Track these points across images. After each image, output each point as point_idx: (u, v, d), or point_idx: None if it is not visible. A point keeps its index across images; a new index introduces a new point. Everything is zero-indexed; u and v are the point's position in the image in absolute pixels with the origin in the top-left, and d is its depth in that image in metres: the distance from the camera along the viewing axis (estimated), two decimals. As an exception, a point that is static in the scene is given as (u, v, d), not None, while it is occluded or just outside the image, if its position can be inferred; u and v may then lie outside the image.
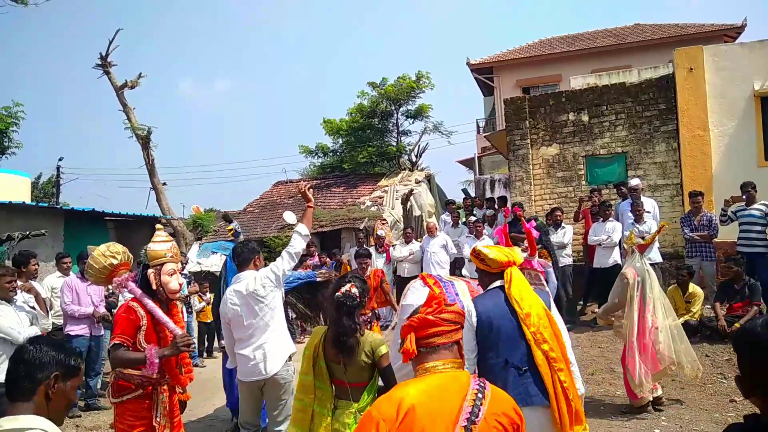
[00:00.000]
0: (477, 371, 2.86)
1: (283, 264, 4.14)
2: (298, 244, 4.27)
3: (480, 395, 1.77)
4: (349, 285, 3.04)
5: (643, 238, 7.86)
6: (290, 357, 4.09)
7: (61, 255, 7.40)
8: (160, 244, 3.48)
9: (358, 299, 3.03)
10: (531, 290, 3.06)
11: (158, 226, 3.68)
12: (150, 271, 3.38)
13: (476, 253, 3.20)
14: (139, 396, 3.29)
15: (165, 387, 3.37)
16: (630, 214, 8.48)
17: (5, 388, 1.81)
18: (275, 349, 3.99)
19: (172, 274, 3.39)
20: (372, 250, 10.65)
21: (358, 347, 2.96)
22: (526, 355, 2.85)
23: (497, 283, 3.09)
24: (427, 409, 1.72)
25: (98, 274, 3.45)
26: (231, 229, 5.85)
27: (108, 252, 3.43)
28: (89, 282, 7.07)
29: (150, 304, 3.29)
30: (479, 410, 1.73)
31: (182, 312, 3.77)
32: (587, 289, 9.09)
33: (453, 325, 1.94)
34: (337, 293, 3.02)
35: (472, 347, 2.89)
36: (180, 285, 3.46)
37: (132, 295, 3.44)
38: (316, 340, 3.10)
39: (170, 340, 3.32)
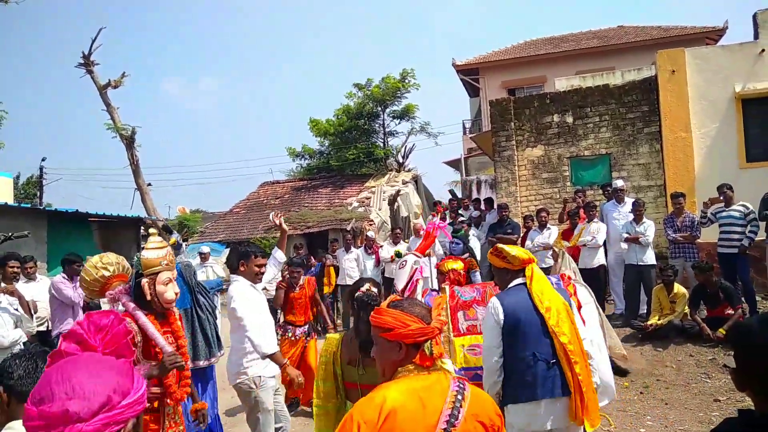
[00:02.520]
0: (502, 364, 3.09)
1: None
2: (270, 273, 4.66)
3: (460, 396, 1.76)
4: (367, 285, 3.07)
5: (637, 239, 8.00)
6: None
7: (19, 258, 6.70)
8: (155, 251, 3.24)
9: (378, 298, 3.06)
10: (551, 286, 3.26)
11: (152, 230, 3.46)
12: (144, 280, 3.15)
13: (498, 252, 3.31)
14: (147, 410, 3.05)
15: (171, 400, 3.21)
16: (614, 215, 8.62)
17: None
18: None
19: (167, 283, 3.18)
20: (361, 251, 10.66)
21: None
22: (551, 348, 3.06)
23: (519, 280, 3.26)
24: (408, 413, 1.70)
25: (90, 286, 3.29)
26: (173, 241, 5.48)
27: (100, 263, 3.25)
28: (75, 284, 7.03)
29: (142, 318, 3.08)
30: (459, 412, 1.72)
31: (181, 320, 3.57)
32: None
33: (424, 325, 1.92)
34: (357, 294, 3.04)
35: (498, 342, 3.11)
36: (176, 294, 3.25)
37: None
38: (333, 348, 3.09)
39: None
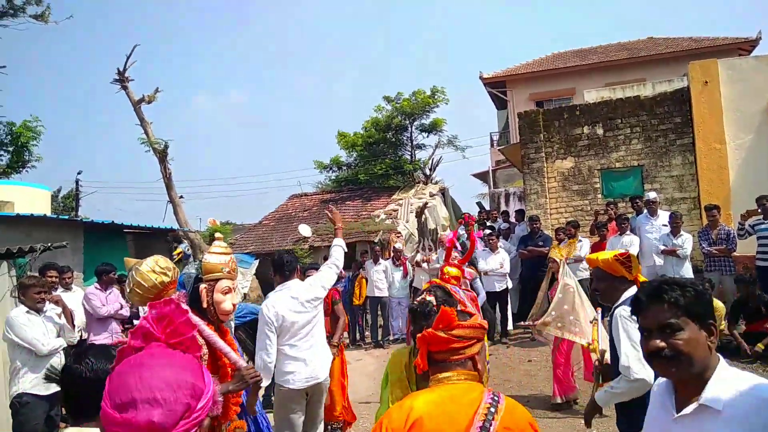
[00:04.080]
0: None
1: (330, 275, 4.37)
2: (340, 256, 4.53)
3: (493, 409, 1.71)
4: (424, 294, 2.96)
5: (674, 251, 7.92)
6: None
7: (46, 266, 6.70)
8: (218, 256, 3.00)
9: (435, 307, 2.90)
10: None
11: (218, 235, 3.22)
12: (202, 286, 2.92)
13: (626, 259, 3.09)
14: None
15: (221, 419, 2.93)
16: (647, 227, 8.52)
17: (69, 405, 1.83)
18: (325, 353, 4.25)
19: (226, 293, 2.92)
20: (389, 263, 10.69)
21: None
22: None
23: (632, 291, 3.00)
24: (436, 421, 1.69)
25: (146, 293, 2.92)
26: (179, 252, 5.27)
27: (158, 267, 2.94)
28: (109, 291, 7.21)
29: (207, 330, 2.80)
30: (491, 424, 1.68)
31: (233, 333, 3.34)
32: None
33: (468, 341, 1.87)
34: (411, 304, 2.97)
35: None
36: (234, 306, 2.97)
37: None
38: (404, 361, 2.98)
39: (229, 371, 2.83)
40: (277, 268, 4.30)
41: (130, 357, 1.25)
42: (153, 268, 2.95)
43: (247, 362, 3.02)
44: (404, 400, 1.85)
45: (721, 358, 1.60)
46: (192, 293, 2.95)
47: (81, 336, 7.03)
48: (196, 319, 2.80)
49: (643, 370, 2.78)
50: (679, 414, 1.60)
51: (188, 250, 5.42)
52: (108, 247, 12.75)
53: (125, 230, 13.71)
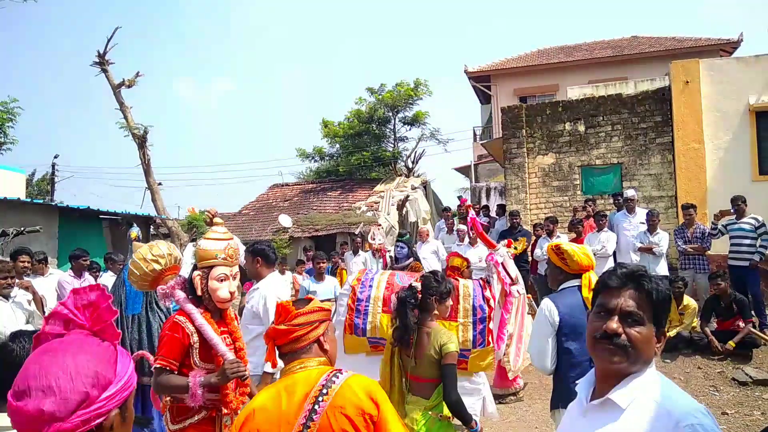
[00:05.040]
0: (556, 361, 3.07)
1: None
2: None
3: (324, 390, 1.74)
4: (415, 280, 3.19)
5: (650, 249, 7.98)
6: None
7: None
8: (213, 242, 2.88)
9: (419, 293, 3.16)
10: None
11: (217, 220, 3.11)
12: (196, 273, 2.84)
13: (558, 250, 3.22)
14: (202, 420, 2.80)
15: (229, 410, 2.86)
16: (625, 225, 8.59)
17: None
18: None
19: (222, 280, 2.83)
20: (368, 254, 10.65)
21: (423, 341, 3.09)
22: None
23: (573, 282, 3.19)
24: (267, 412, 1.75)
25: (140, 281, 2.97)
26: (135, 235, 4.66)
27: (150, 255, 2.91)
28: (83, 279, 7.08)
29: (199, 319, 2.75)
30: (319, 406, 1.71)
31: (237, 320, 3.12)
32: None
33: (308, 326, 1.91)
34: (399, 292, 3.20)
35: (552, 345, 3.05)
36: (232, 294, 2.87)
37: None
38: (386, 356, 3.24)
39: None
40: (264, 257, 4.22)
41: (45, 343, 1.18)
42: (145, 256, 2.92)
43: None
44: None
45: (653, 363, 1.55)
46: (189, 281, 2.88)
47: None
48: (189, 307, 2.81)
49: (536, 361, 3.15)
50: (589, 403, 1.57)
51: (140, 234, 4.95)
52: (83, 233, 12.55)
53: (101, 216, 13.51)
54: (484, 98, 23.27)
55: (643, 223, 8.41)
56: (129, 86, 16.95)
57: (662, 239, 8.06)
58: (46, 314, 6.36)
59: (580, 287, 3.13)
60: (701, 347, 7.17)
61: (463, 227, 10.32)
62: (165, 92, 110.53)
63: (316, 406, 1.71)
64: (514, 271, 5.25)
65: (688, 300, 7.43)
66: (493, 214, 12.02)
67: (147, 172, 16.45)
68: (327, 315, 2.00)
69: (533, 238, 9.46)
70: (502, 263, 5.12)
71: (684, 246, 8.14)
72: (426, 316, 3.19)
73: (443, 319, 4.38)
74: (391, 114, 21.31)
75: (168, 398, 2.85)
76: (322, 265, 8.22)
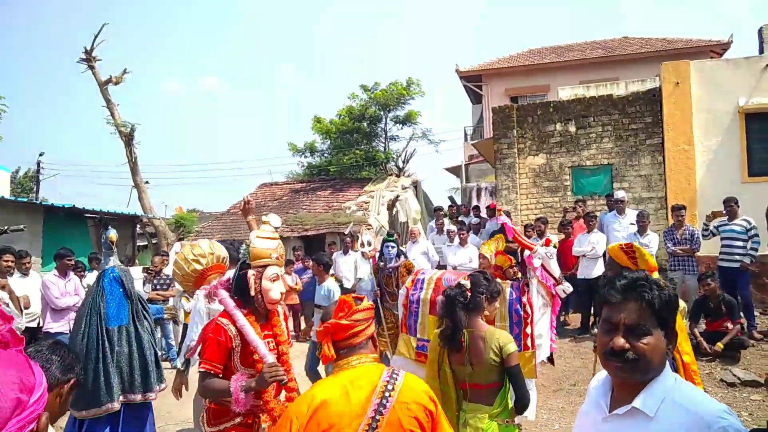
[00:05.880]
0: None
1: None
2: None
3: (390, 386, 1.81)
4: (462, 278, 3.07)
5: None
6: None
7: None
8: (266, 240, 2.84)
9: (468, 291, 3.03)
10: None
11: (265, 219, 3.06)
12: (251, 272, 2.76)
13: (630, 250, 3.23)
14: (239, 425, 2.74)
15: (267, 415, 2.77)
16: (615, 226, 8.57)
17: None
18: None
19: (274, 280, 2.77)
20: (358, 255, 10.56)
21: (478, 345, 2.94)
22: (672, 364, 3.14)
23: None
24: (337, 405, 1.77)
25: (184, 281, 2.92)
26: (113, 238, 4.26)
27: (191, 255, 2.88)
28: (68, 279, 6.96)
29: (241, 320, 2.68)
30: (387, 401, 1.77)
31: (286, 318, 3.04)
32: (569, 300, 9.13)
33: (366, 323, 1.97)
34: (447, 291, 3.05)
35: None
36: (282, 294, 2.81)
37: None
38: (439, 345, 3.06)
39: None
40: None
41: None
42: (186, 256, 2.88)
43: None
44: (310, 388, 1.93)
45: (666, 364, 1.53)
46: (237, 280, 2.79)
47: (38, 324, 6.79)
48: (231, 308, 2.72)
49: None
50: (611, 413, 1.54)
51: (117, 236, 4.56)
52: (68, 232, 12.38)
53: (87, 215, 13.33)
54: (476, 98, 23.25)
55: (633, 224, 8.39)
56: (116, 83, 16.82)
57: (652, 240, 8.03)
58: (25, 313, 6.24)
59: None
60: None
61: (453, 228, 10.27)
62: (152, 90, 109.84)
63: (384, 401, 1.77)
64: (557, 271, 5.13)
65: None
66: (483, 214, 11.97)
67: (134, 170, 16.31)
68: (373, 314, 2.05)
69: (487, 241, 9.41)
70: (542, 265, 4.98)
71: (673, 247, 8.13)
72: (475, 317, 3.03)
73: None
74: (382, 113, 21.26)
75: (207, 401, 2.80)
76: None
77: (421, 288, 5.03)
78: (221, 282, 2.83)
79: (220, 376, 2.67)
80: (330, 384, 1.87)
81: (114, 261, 4.13)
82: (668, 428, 1.43)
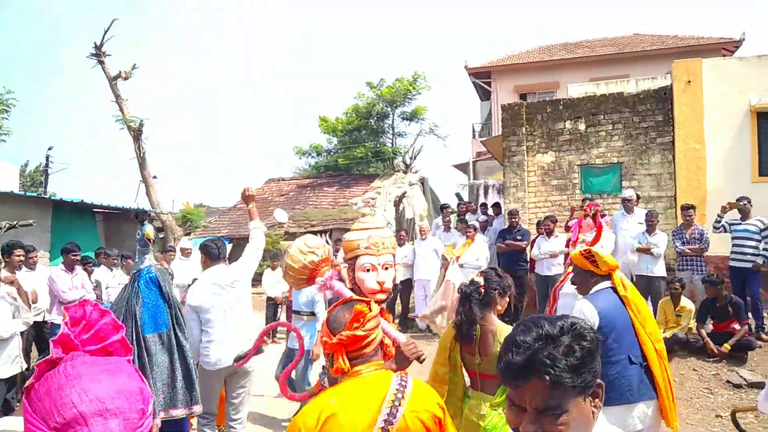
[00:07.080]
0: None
1: (252, 260, 4.46)
2: (261, 240, 4.56)
3: (399, 395, 1.78)
4: (477, 275, 3.19)
5: (649, 249, 7.90)
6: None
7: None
8: (355, 232, 2.80)
9: (482, 288, 3.13)
10: (636, 290, 3.39)
11: (364, 211, 3.01)
12: (343, 265, 2.77)
13: (588, 255, 3.33)
14: None
15: None
16: (623, 225, 8.51)
17: None
18: (240, 339, 4.16)
19: (368, 270, 2.70)
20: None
21: (488, 339, 3.05)
22: (641, 351, 3.14)
23: (606, 284, 3.30)
24: (347, 415, 1.75)
25: (298, 275, 2.82)
26: (149, 234, 4.12)
27: (306, 247, 2.82)
28: (75, 273, 6.99)
29: None
30: (397, 410, 1.75)
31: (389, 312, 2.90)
32: None
33: (376, 329, 1.95)
34: (463, 287, 3.16)
35: None
36: (380, 284, 2.71)
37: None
38: (452, 333, 3.16)
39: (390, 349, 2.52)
40: (207, 253, 4.43)
41: (56, 371, 1.09)
42: (300, 248, 2.82)
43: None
44: (318, 397, 1.90)
45: (599, 416, 1.28)
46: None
47: (43, 318, 6.84)
48: (347, 297, 2.57)
49: None
50: None
51: (154, 233, 4.28)
52: (77, 226, 12.45)
53: (95, 209, 13.39)
54: (484, 94, 23.14)
55: (641, 223, 8.33)
56: (125, 78, 16.88)
57: (660, 240, 7.97)
58: (34, 307, 6.28)
59: (613, 288, 3.25)
60: (696, 349, 7.10)
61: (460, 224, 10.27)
62: (161, 84, 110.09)
63: (394, 410, 1.75)
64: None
65: (685, 301, 7.35)
66: (490, 212, 11.91)
67: (142, 165, 16.37)
68: (379, 318, 2.03)
69: (451, 244, 9.36)
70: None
71: (682, 247, 8.06)
72: (488, 311, 3.15)
73: None
74: (389, 109, 21.22)
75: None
76: None
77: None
78: (334, 273, 2.80)
79: None
80: (339, 395, 1.84)
81: (150, 259, 3.98)
82: None
